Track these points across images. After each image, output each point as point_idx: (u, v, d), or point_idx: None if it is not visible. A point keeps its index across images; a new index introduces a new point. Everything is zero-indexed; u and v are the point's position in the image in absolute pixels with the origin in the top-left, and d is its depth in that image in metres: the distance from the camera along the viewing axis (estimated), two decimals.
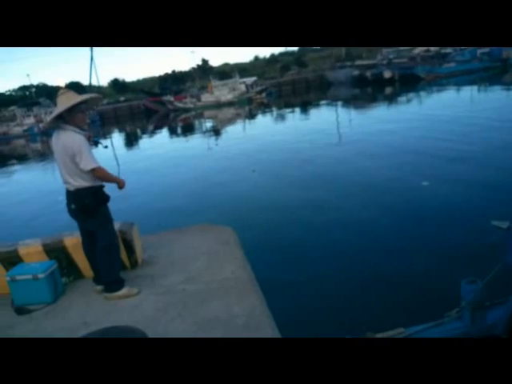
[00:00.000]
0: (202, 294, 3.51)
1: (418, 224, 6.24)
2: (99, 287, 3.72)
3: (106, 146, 3.95)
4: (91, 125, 36.55)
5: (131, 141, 27.79)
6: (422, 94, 28.47)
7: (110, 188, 3.63)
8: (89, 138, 3.52)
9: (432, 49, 49.53)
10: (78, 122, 3.39)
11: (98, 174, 3.40)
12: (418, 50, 49.36)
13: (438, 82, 33.09)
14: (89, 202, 3.41)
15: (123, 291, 3.63)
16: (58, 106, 3.38)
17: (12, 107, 43.96)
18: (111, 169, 3.69)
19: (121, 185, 3.58)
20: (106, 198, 3.53)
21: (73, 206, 3.43)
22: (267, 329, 2.89)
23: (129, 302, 3.57)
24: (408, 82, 35.33)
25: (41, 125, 34.69)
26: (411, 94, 28.35)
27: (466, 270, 3.88)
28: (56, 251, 3.96)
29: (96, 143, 3.72)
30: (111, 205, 3.60)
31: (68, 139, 3.32)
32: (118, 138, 29.82)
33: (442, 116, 15.94)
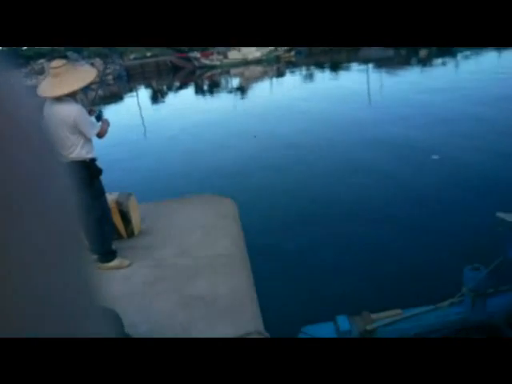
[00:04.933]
0: (191, 270, 3.51)
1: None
2: (93, 257, 3.79)
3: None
4: (118, 80, 36.53)
5: (157, 97, 27.71)
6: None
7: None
8: (90, 112, 3.52)
9: None
10: (76, 94, 3.35)
11: (102, 133, 3.51)
12: None
13: None
14: (82, 176, 3.40)
15: (115, 262, 3.68)
16: (73, 80, 3.23)
17: (41, 60, 44.15)
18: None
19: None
20: (99, 171, 3.50)
21: None
22: (248, 313, 2.88)
23: (120, 273, 3.61)
24: None
25: None
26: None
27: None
28: None
29: (99, 117, 3.60)
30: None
31: (68, 110, 3.25)
32: (144, 94, 29.76)
33: None
